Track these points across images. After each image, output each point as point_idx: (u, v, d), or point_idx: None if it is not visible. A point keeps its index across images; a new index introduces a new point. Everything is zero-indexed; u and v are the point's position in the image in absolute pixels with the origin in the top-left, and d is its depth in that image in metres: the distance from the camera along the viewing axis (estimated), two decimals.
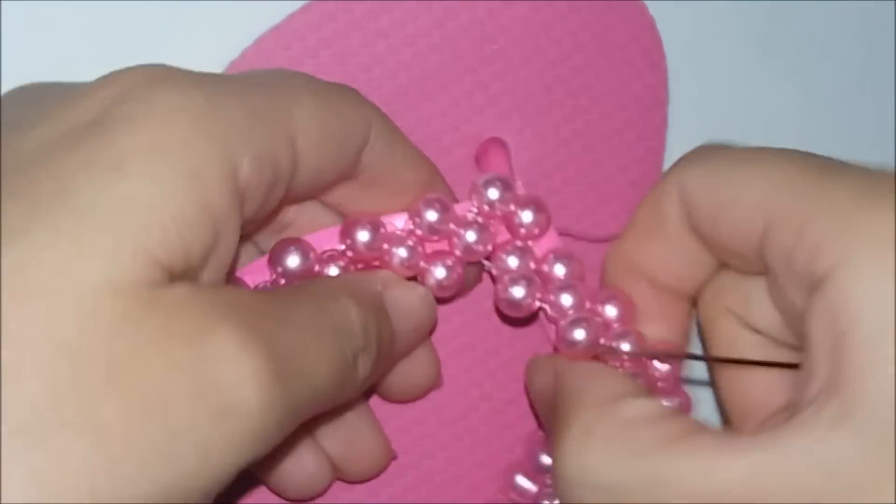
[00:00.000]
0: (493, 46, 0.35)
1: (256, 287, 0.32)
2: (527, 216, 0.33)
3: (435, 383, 0.35)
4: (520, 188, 0.34)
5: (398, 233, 0.33)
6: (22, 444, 0.22)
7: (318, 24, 0.34)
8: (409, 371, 0.34)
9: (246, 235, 0.32)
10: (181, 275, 0.25)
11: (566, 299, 0.33)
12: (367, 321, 0.29)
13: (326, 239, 0.32)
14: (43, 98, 0.27)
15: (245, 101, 0.27)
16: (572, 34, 0.35)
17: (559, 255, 0.33)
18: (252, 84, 0.28)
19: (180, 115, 0.25)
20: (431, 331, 0.34)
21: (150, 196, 0.24)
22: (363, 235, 0.32)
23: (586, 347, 0.32)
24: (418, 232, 0.33)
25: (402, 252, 0.32)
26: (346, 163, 0.30)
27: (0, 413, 0.22)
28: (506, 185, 0.33)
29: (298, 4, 0.34)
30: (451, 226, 0.33)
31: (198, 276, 0.26)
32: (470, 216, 0.33)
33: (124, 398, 0.23)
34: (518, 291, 0.33)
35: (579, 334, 0.32)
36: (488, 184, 0.33)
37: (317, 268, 0.32)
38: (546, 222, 0.33)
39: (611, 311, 0.33)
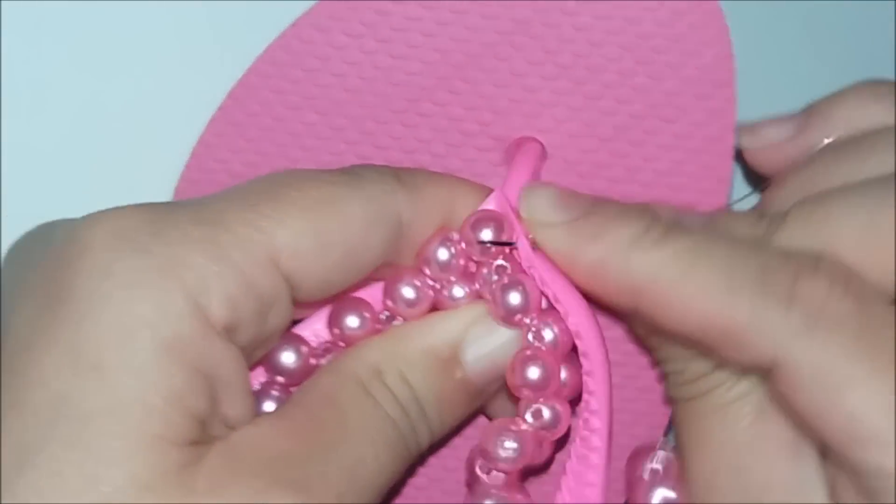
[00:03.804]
0: (514, 38, 0.32)
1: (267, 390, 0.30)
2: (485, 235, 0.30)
3: None
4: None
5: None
6: None
7: (328, 27, 0.32)
8: None
9: None
10: (204, 433, 0.26)
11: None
12: (415, 386, 0.29)
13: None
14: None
15: (211, 241, 0.26)
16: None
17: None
18: (224, 213, 0.27)
19: (141, 284, 0.25)
20: None
21: (137, 389, 0.25)
22: (408, 292, 0.30)
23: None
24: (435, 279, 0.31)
25: (457, 292, 0.30)
26: (371, 262, 0.29)
27: None
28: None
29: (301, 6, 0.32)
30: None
31: (222, 416, 0.27)
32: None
33: None
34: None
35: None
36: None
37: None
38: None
39: None
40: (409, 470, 0.32)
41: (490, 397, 0.32)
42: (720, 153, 0.33)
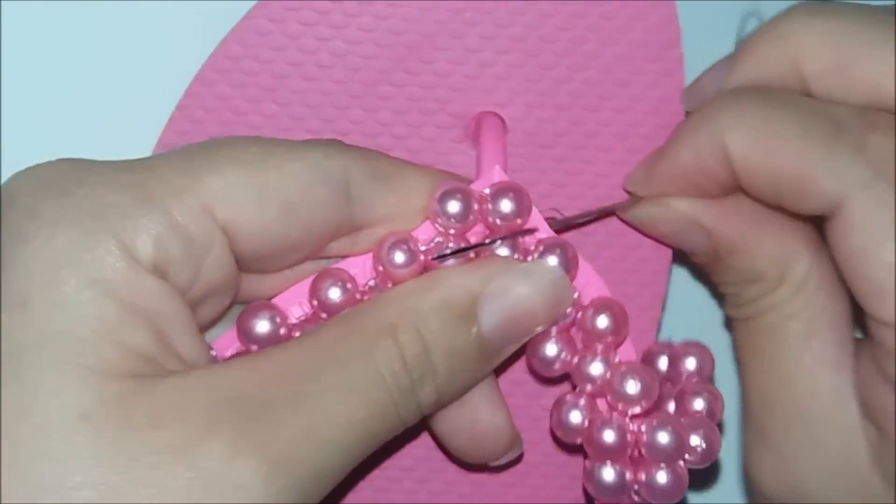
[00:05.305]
0: (465, 14, 0.33)
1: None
2: (505, 205, 0.30)
3: (507, 438, 0.32)
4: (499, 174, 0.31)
5: (435, 242, 0.30)
6: None
7: (281, 17, 0.32)
8: (468, 417, 0.31)
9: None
10: (154, 368, 0.25)
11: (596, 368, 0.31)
12: (429, 340, 0.28)
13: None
14: None
15: (137, 185, 0.27)
16: None
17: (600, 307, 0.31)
18: (154, 162, 0.28)
19: (64, 222, 0.26)
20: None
21: (64, 322, 0.25)
22: (399, 257, 0.30)
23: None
24: (451, 231, 0.30)
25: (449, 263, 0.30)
26: (316, 223, 0.29)
27: None
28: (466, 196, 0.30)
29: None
30: (476, 207, 0.30)
31: (176, 354, 0.26)
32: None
33: None
34: (551, 349, 0.31)
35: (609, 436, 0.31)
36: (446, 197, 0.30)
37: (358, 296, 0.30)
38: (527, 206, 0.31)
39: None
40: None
41: (501, 363, 0.31)
42: (673, 113, 0.34)
